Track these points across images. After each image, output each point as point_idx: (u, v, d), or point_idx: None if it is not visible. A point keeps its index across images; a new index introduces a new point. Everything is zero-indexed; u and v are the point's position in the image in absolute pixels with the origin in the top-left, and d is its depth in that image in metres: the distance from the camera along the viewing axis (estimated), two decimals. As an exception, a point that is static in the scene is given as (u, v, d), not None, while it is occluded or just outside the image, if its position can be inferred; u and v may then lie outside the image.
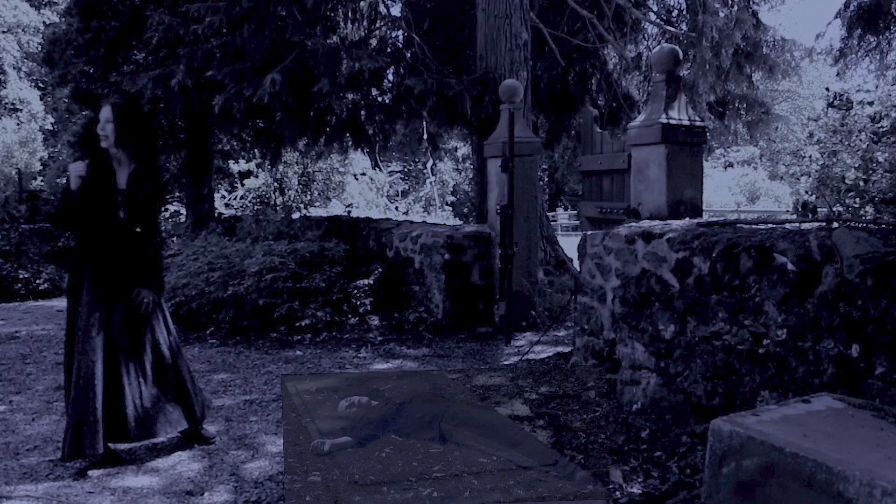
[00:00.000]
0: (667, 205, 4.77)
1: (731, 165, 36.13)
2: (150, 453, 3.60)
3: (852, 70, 10.35)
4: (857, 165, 7.22)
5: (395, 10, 10.96)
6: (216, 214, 14.65)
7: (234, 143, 15.49)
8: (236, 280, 6.75)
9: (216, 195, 16.85)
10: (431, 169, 27.28)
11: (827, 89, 8.08)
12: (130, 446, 3.65)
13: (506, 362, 5.46)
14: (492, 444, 1.86)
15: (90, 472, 3.34)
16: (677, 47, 5.21)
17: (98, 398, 3.35)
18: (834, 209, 7.14)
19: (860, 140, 7.33)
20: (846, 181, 7.11)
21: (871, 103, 7.66)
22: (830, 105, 8.10)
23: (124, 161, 3.57)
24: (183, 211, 15.95)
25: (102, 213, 3.48)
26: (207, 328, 6.65)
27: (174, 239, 11.81)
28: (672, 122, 4.79)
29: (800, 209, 5.00)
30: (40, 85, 31.74)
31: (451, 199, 28.46)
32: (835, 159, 7.73)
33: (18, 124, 29.12)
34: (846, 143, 7.51)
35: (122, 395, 3.42)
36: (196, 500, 3.05)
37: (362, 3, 10.07)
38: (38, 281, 9.47)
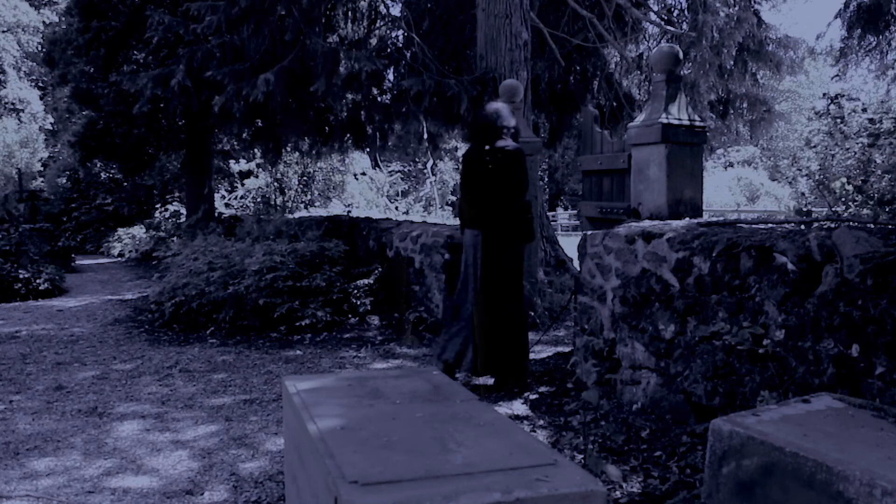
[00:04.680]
0: (667, 205, 4.76)
1: (731, 165, 36.11)
2: (150, 453, 3.60)
3: (852, 70, 10.36)
4: (850, 173, 7.23)
5: (395, 10, 10.97)
6: (216, 214, 14.66)
7: (234, 142, 15.52)
8: (236, 280, 6.75)
9: (216, 195, 16.87)
10: (431, 169, 27.26)
11: (824, 95, 8.08)
12: (131, 446, 3.66)
13: (506, 362, 5.45)
14: (492, 444, 1.86)
15: None
16: (677, 47, 5.21)
17: None
18: (834, 209, 7.14)
19: (856, 144, 7.35)
20: (837, 189, 7.14)
21: (864, 110, 7.66)
22: (819, 116, 8.14)
23: None
24: (183, 211, 15.97)
25: None
26: (207, 328, 6.65)
27: (174, 239, 11.81)
28: (672, 121, 4.78)
29: (802, 209, 5.00)
30: (40, 85, 31.73)
31: (451, 199, 28.44)
32: (833, 161, 7.74)
33: (19, 124, 29.12)
34: (843, 146, 7.52)
35: None
36: (195, 499, 3.05)
37: (362, 3, 10.08)
38: (38, 281, 9.46)
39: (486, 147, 4.59)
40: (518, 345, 4.71)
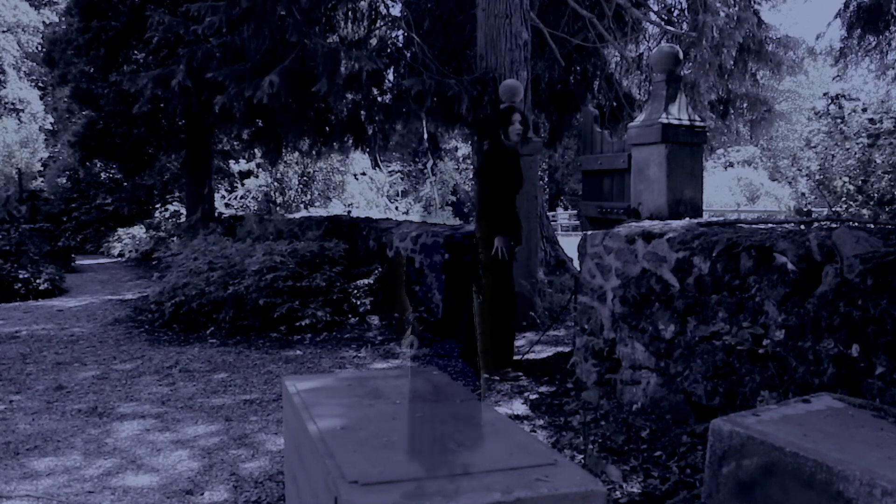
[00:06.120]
0: (667, 205, 4.76)
1: (731, 165, 36.11)
2: (150, 452, 3.60)
3: (852, 70, 10.37)
4: (850, 173, 7.24)
5: (395, 11, 10.97)
6: (216, 214, 14.67)
7: (234, 142, 15.53)
8: (236, 280, 6.75)
9: (216, 195, 16.87)
10: (431, 169, 27.27)
11: (824, 95, 8.09)
12: (131, 446, 3.66)
13: (506, 362, 5.45)
14: (492, 444, 1.86)
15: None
16: (677, 47, 5.21)
17: None
18: (834, 209, 7.14)
19: (856, 144, 7.36)
20: (837, 189, 7.15)
21: (864, 110, 7.67)
22: (819, 116, 8.16)
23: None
24: (183, 211, 15.97)
25: (510, 185, 4.93)
26: (207, 328, 6.65)
27: (174, 239, 11.81)
28: (672, 121, 4.79)
29: (802, 209, 5.01)
30: (40, 85, 31.74)
31: (451, 199, 28.46)
32: (833, 161, 7.75)
33: (19, 124, 29.12)
34: (844, 146, 7.54)
35: None
36: (196, 499, 3.05)
37: (362, 3, 10.07)
38: (38, 281, 9.47)
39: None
40: (495, 334, 4.95)
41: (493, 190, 4.91)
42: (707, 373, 3.49)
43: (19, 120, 29.51)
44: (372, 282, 7.19)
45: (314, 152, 11.30)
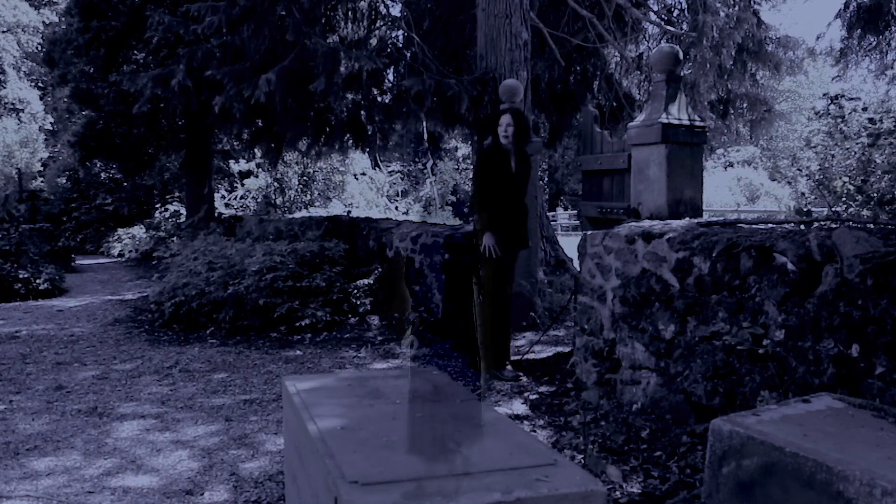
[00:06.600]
0: (667, 205, 4.76)
1: (731, 165, 36.10)
2: (150, 453, 3.60)
3: (852, 70, 10.37)
4: (850, 173, 7.25)
5: (395, 10, 10.98)
6: (216, 214, 14.67)
7: (234, 142, 15.53)
8: (236, 280, 6.75)
9: (216, 195, 16.87)
10: (431, 169, 27.26)
11: (824, 95, 8.09)
12: (131, 446, 3.66)
13: (506, 362, 5.45)
14: (492, 444, 1.86)
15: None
16: (677, 47, 5.21)
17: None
18: (834, 209, 7.15)
19: (856, 144, 7.36)
20: (837, 189, 7.16)
21: (864, 109, 7.67)
22: (819, 116, 8.17)
23: (511, 151, 4.89)
24: (183, 211, 15.97)
25: (503, 185, 4.88)
26: (207, 328, 6.65)
27: (174, 239, 11.81)
28: (672, 121, 4.79)
29: (802, 209, 5.02)
30: (40, 85, 31.74)
31: (451, 199, 28.45)
32: (832, 161, 7.75)
33: (19, 124, 29.11)
34: (843, 146, 7.54)
35: None
36: (196, 499, 3.05)
37: (362, 3, 10.07)
38: (38, 281, 9.47)
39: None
40: (493, 332, 5.03)
41: (485, 189, 4.92)
42: (707, 373, 3.49)
43: (19, 120, 29.51)
44: (372, 282, 7.19)
45: (314, 152, 11.29)
